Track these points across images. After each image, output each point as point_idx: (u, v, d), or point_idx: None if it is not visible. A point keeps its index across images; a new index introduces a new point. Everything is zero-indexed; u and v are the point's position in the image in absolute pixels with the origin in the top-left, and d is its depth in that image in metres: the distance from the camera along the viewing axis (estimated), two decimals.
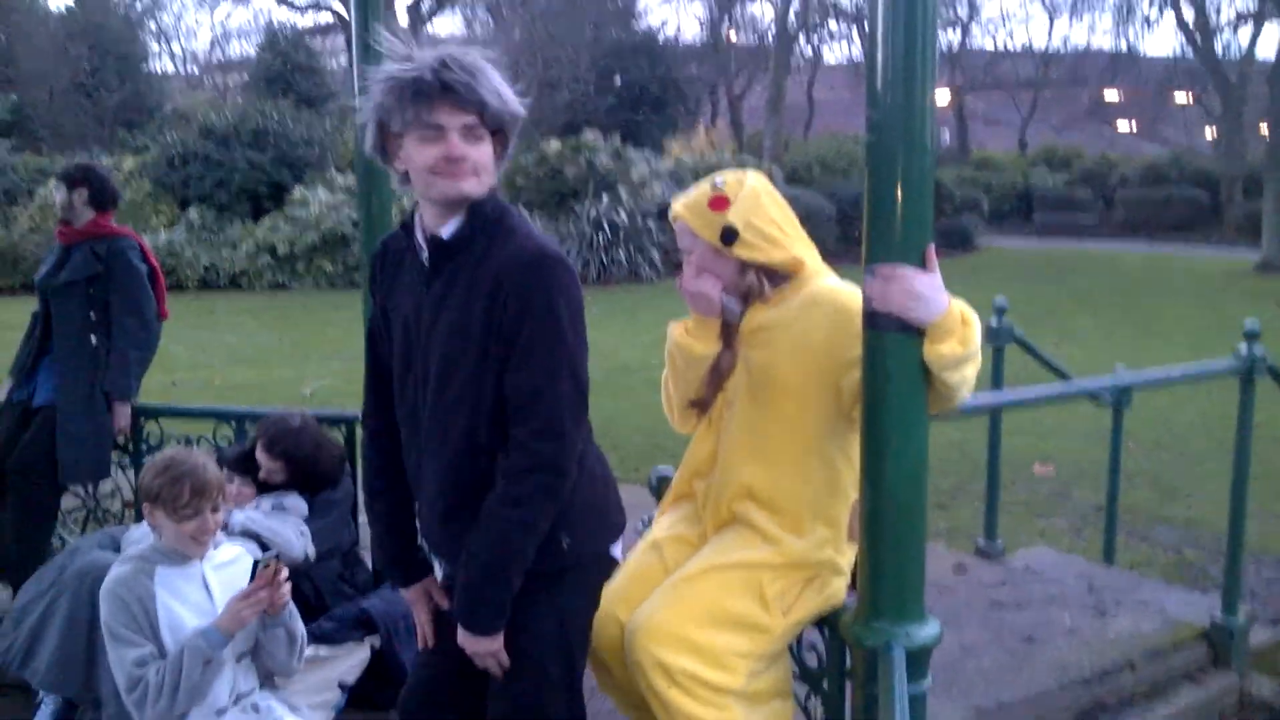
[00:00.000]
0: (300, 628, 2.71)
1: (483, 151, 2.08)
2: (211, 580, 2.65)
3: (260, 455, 3.61)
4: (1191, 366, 4.21)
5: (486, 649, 2.15)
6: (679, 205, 2.42)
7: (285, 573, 2.59)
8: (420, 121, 2.03)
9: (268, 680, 2.77)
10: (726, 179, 2.40)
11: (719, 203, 2.35)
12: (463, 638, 2.16)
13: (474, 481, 2.14)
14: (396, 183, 2.18)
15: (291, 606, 2.67)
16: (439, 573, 2.36)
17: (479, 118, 2.05)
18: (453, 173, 2.05)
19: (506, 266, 2.06)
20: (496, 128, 2.10)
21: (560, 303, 2.06)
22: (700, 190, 2.41)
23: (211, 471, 2.61)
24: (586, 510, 2.24)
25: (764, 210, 2.37)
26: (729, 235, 2.32)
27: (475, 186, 2.08)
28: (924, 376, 2.11)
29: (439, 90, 2.00)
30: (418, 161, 2.06)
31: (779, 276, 2.38)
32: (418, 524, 2.33)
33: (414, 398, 2.21)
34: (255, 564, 2.58)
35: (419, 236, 2.17)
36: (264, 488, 3.62)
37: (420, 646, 2.40)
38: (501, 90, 2.06)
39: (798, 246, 2.40)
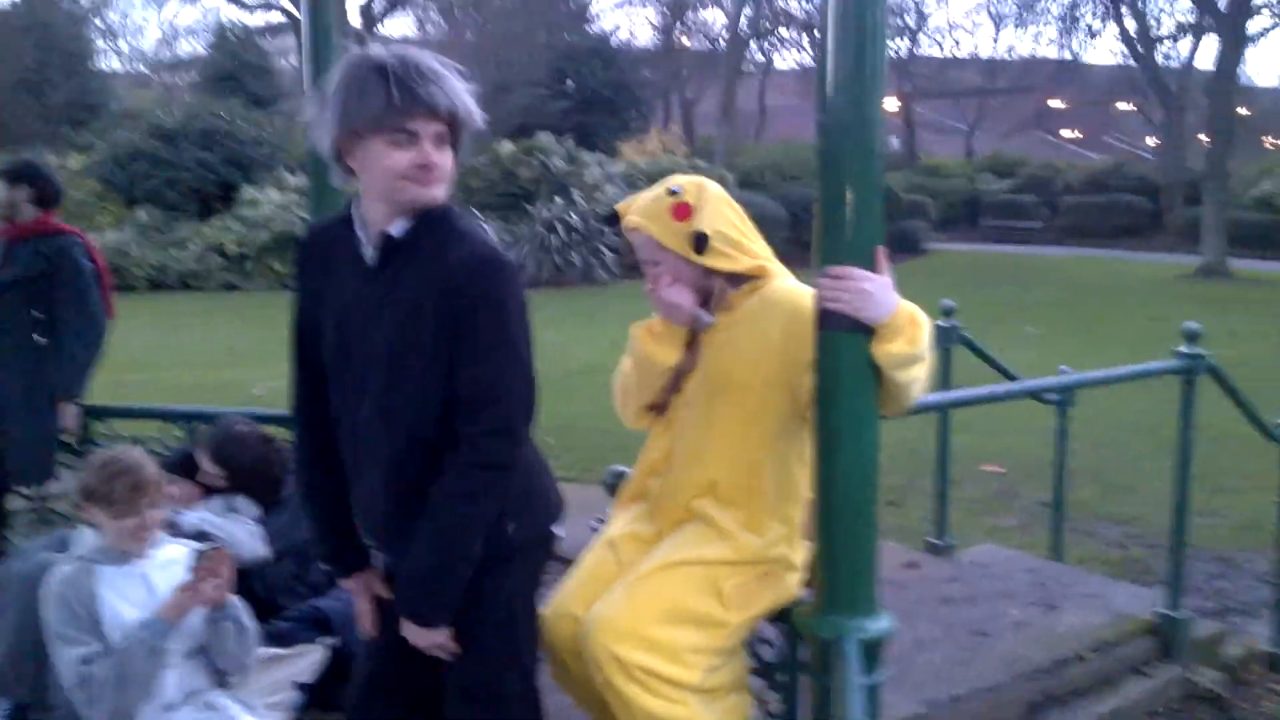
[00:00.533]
0: (249, 620, 2.69)
1: (448, 159, 2.09)
2: (156, 579, 2.63)
3: (204, 462, 3.58)
4: (1134, 367, 4.30)
5: (432, 640, 2.16)
6: (638, 216, 2.40)
7: (228, 562, 2.57)
8: (393, 126, 2.01)
9: (222, 681, 2.75)
10: (683, 185, 2.40)
11: (681, 210, 2.36)
12: (408, 630, 2.16)
13: (418, 476, 2.14)
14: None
15: (238, 600, 2.66)
16: (379, 564, 2.35)
17: (449, 124, 2.06)
18: (424, 180, 2.05)
19: (460, 268, 2.05)
20: (458, 134, 2.11)
21: (511, 304, 2.08)
22: (656, 199, 2.40)
23: (149, 469, 2.60)
24: (529, 497, 2.25)
25: (726, 216, 2.39)
26: (701, 243, 2.33)
27: (442, 193, 2.09)
28: (874, 375, 2.15)
29: (416, 98, 1.99)
30: (385, 165, 2.04)
31: (739, 280, 2.41)
32: (358, 517, 2.31)
33: (355, 394, 2.19)
34: (199, 554, 2.57)
35: (361, 232, 2.15)
36: (209, 489, 3.59)
37: (364, 636, 2.40)
38: (464, 96, 2.06)
39: (759, 250, 2.42)
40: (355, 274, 2.16)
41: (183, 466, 3.59)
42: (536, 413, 2.16)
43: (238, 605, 2.67)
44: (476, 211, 18.32)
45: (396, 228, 2.11)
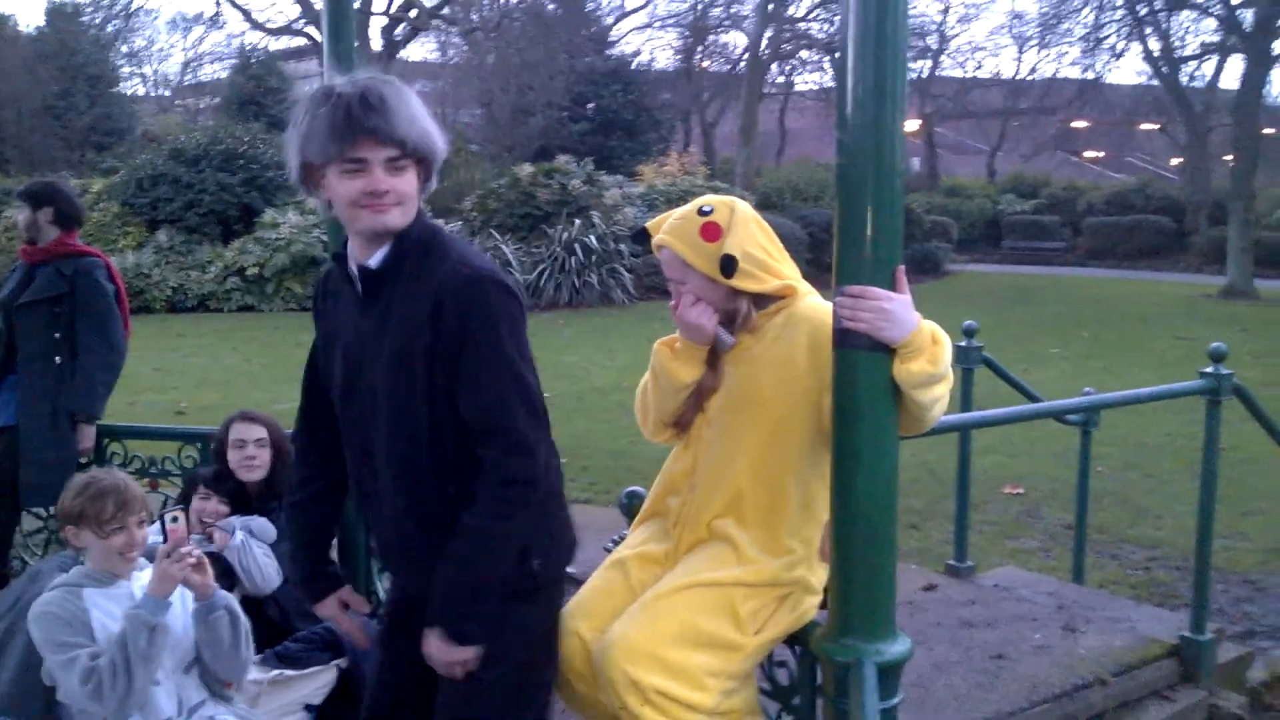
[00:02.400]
0: (240, 611, 2.69)
1: (406, 181, 2.09)
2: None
3: (245, 427, 3.64)
4: (1159, 387, 4.25)
5: (456, 658, 2.14)
6: (666, 235, 2.39)
7: (185, 531, 2.57)
8: (342, 156, 2.04)
9: (220, 693, 2.73)
10: (713, 205, 2.39)
11: (710, 231, 2.34)
12: (434, 646, 2.13)
13: (435, 502, 2.14)
14: (322, 210, 2.18)
15: (227, 594, 2.67)
16: (389, 588, 2.36)
17: (400, 150, 2.05)
18: (377, 206, 2.06)
19: (442, 290, 2.05)
20: (418, 157, 2.10)
21: (500, 321, 2.06)
22: (686, 218, 2.40)
23: (133, 487, 2.63)
24: (553, 534, 2.26)
25: (755, 237, 2.37)
26: (729, 266, 2.32)
27: (399, 217, 2.09)
28: (894, 395, 2.12)
29: (359, 127, 2.01)
30: (342, 194, 2.07)
31: (765, 300, 2.39)
32: (376, 544, 2.33)
33: (364, 427, 2.21)
34: (161, 519, 2.57)
35: (351, 266, 2.18)
36: (238, 507, 3.59)
37: (360, 646, 2.41)
38: (420, 121, 2.07)
39: (787, 271, 2.41)
40: (353, 308, 2.19)
41: (217, 483, 3.61)
42: (546, 421, 2.14)
43: (229, 596, 2.68)
44: (496, 233, 18.40)
45: (375, 259, 2.12)
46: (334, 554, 2.60)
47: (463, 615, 2.11)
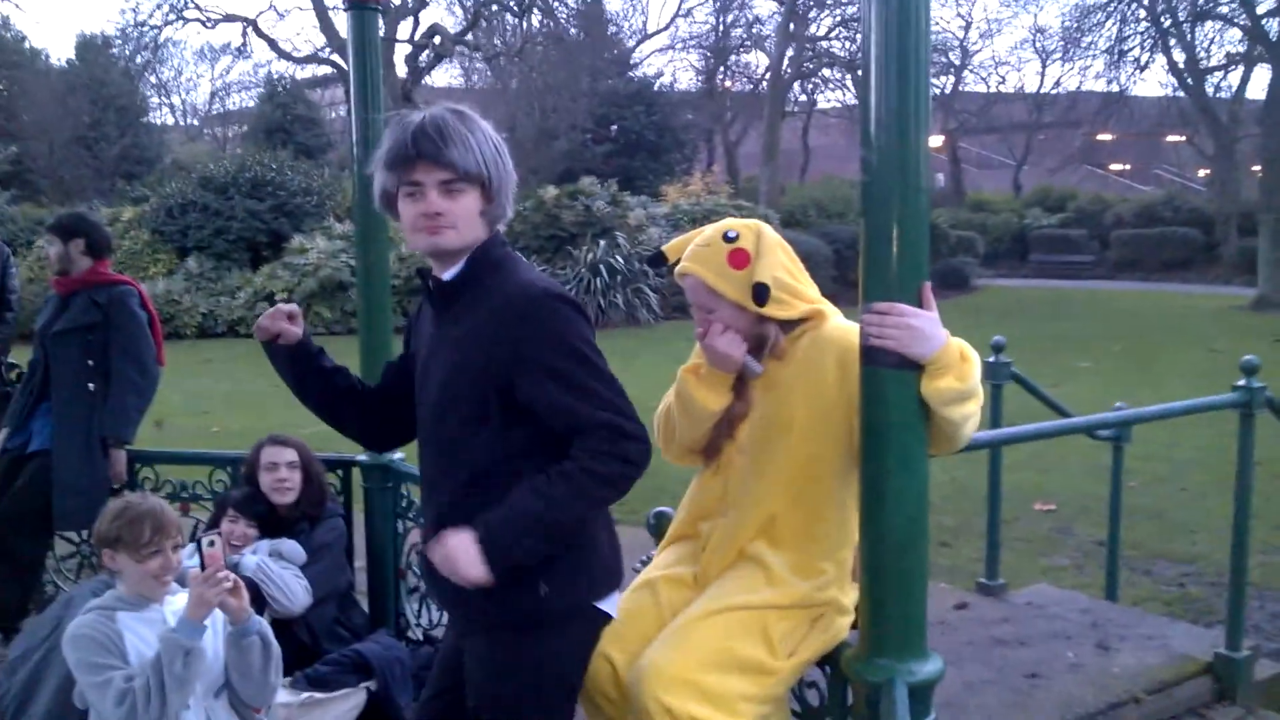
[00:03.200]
0: (273, 637, 2.69)
1: (462, 204, 2.16)
2: (173, 623, 2.63)
3: (276, 450, 3.69)
4: (1191, 401, 4.21)
5: (475, 577, 2.08)
6: (692, 263, 2.38)
7: (221, 555, 2.58)
8: (404, 181, 2.16)
9: (248, 718, 2.73)
10: (739, 230, 2.37)
11: (739, 258, 2.33)
12: (451, 545, 2.09)
13: (471, 517, 2.14)
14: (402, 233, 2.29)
15: (261, 619, 2.67)
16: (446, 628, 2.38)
17: (454, 174, 2.13)
18: (430, 227, 2.15)
19: (508, 306, 2.12)
20: (477, 181, 2.17)
21: (568, 333, 2.12)
22: (711, 244, 2.37)
23: (169, 512, 2.65)
24: (572, 564, 2.22)
25: (782, 262, 2.36)
26: (762, 294, 2.31)
27: (453, 239, 2.17)
28: (923, 412, 2.10)
29: (415, 152, 2.12)
30: (404, 216, 2.18)
31: (792, 323, 2.38)
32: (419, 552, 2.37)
33: (424, 432, 2.31)
34: (197, 543, 2.57)
35: (430, 281, 2.27)
36: (268, 529, 3.62)
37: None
38: (479, 147, 2.15)
39: (812, 294, 2.39)
40: (430, 320, 2.31)
41: (247, 506, 3.63)
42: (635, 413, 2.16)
43: (262, 621, 2.68)
44: (521, 255, 18.44)
45: (449, 273, 2.21)
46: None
47: (498, 531, 2.07)
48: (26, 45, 30.70)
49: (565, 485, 2.08)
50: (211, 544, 2.55)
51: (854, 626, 2.38)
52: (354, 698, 3.28)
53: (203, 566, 2.52)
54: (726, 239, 2.35)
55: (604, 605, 2.30)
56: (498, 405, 2.13)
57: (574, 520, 2.14)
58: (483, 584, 2.08)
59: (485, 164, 2.16)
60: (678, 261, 2.43)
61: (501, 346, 2.11)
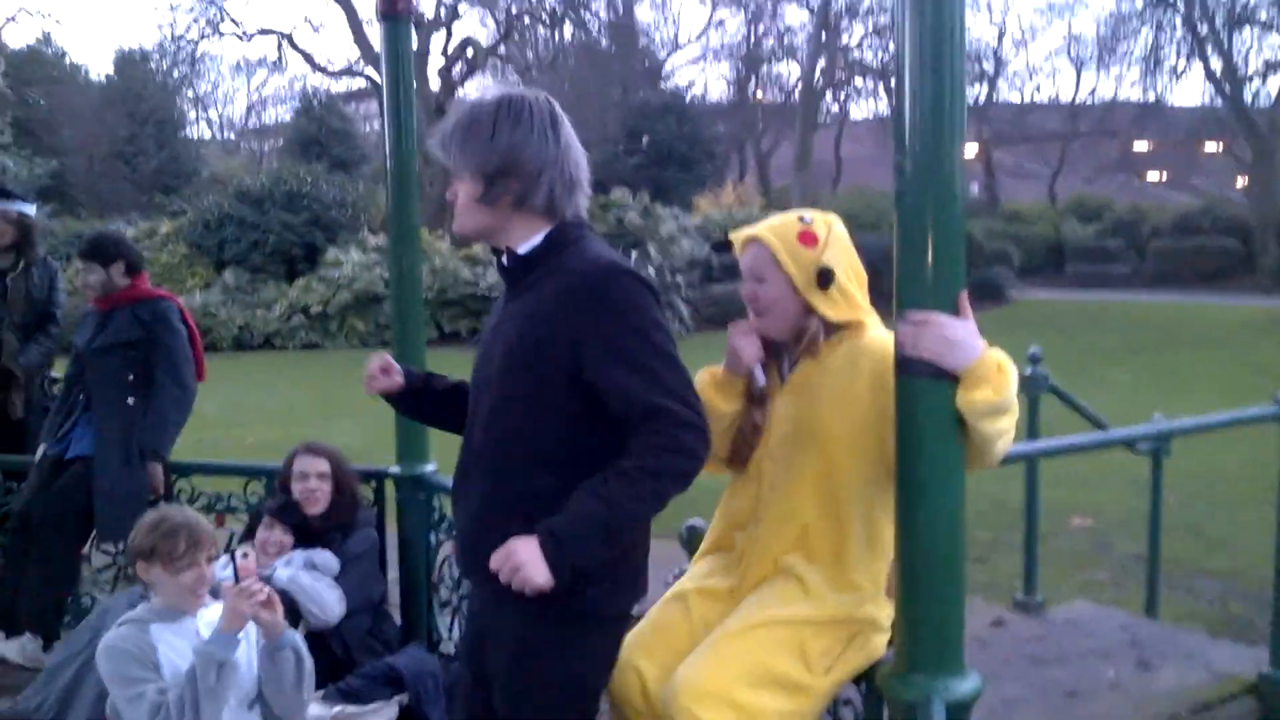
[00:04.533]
0: (306, 651, 2.69)
1: (461, 194, 2.22)
2: (206, 636, 2.64)
3: (308, 460, 3.71)
4: (1231, 413, 4.14)
5: (540, 584, 2.01)
6: (762, 230, 2.38)
7: (255, 568, 2.59)
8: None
9: None
10: (813, 217, 2.38)
11: (808, 238, 2.33)
12: (523, 545, 2.01)
13: (520, 497, 2.12)
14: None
15: (294, 632, 2.67)
16: (464, 627, 2.34)
17: (447, 165, 2.23)
18: (453, 212, 2.26)
19: (575, 279, 2.10)
20: (462, 169, 2.20)
21: (630, 311, 2.07)
22: (784, 221, 2.38)
23: (204, 524, 2.66)
24: (620, 569, 2.18)
25: (845, 262, 2.35)
26: (826, 279, 2.30)
27: (459, 222, 2.26)
28: (959, 424, 2.07)
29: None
30: None
31: (833, 327, 2.37)
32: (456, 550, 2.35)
33: (474, 412, 2.26)
34: (231, 555, 2.57)
35: (504, 256, 2.26)
36: (301, 539, 3.63)
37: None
38: (452, 137, 2.19)
39: (863, 303, 2.38)
40: (502, 302, 2.31)
41: (283, 514, 3.65)
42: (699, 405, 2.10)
43: (295, 635, 2.68)
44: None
45: (524, 246, 2.21)
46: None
47: (567, 540, 2.00)
48: (66, 61, 31.20)
49: (626, 486, 2.02)
50: (245, 555, 2.56)
51: (890, 645, 2.35)
52: (386, 711, 3.27)
53: (236, 579, 2.53)
54: (801, 220, 2.36)
55: (635, 610, 2.30)
56: (557, 385, 2.10)
57: (636, 521, 2.10)
58: (546, 590, 2.02)
59: (452, 152, 2.19)
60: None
61: (566, 321, 2.08)
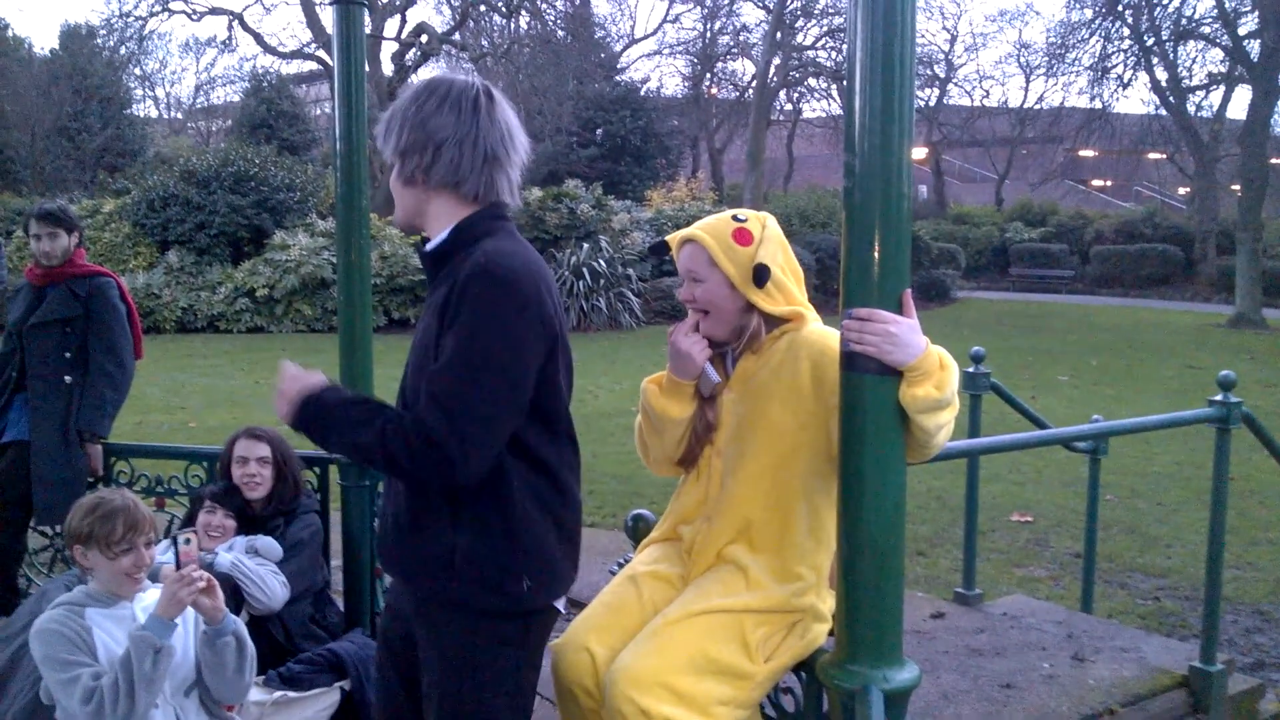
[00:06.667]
0: (247, 637, 2.66)
1: (391, 180, 2.22)
2: (143, 620, 2.60)
3: (249, 444, 3.65)
4: (1168, 415, 4.23)
5: (282, 413, 2.16)
6: (697, 229, 2.39)
7: (197, 554, 2.55)
8: None
9: (220, 716, 2.70)
10: (747, 215, 2.39)
11: (743, 236, 2.35)
12: (294, 375, 2.17)
13: (438, 499, 2.10)
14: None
15: (236, 618, 2.64)
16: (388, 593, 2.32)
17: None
18: None
19: (462, 274, 2.05)
20: (394, 152, 2.18)
21: (490, 317, 2.01)
22: (719, 219, 2.40)
23: (142, 508, 2.62)
24: (552, 563, 2.16)
25: (779, 258, 2.37)
26: (762, 275, 2.31)
27: (396, 218, 2.27)
28: (901, 419, 2.10)
29: None
30: None
31: (773, 322, 2.39)
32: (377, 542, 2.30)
33: (408, 405, 2.24)
34: (173, 540, 2.54)
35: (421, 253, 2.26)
36: (244, 524, 3.58)
37: None
38: (382, 129, 2.19)
39: (800, 297, 2.40)
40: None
41: (225, 498, 3.59)
42: (499, 439, 2.05)
43: (238, 621, 2.65)
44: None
45: (436, 237, 2.19)
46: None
47: (320, 423, 2.12)
48: (10, 33, 30.47)
49: (392, 439, 2.02)
50: (187, 542, 2.53)
51: (831, 634, 2.38)
52: (327, 697, 3.25)
53: (178, 564, 2.50)
54: (735, 219, 2.38)
55: (559, 603, 2.25)
56: None
57: (363, 451, 2.10)
58: (281, 419, 2.16)
59: (381, 139, 2.20)
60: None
61: (448, 316, 2.05)
